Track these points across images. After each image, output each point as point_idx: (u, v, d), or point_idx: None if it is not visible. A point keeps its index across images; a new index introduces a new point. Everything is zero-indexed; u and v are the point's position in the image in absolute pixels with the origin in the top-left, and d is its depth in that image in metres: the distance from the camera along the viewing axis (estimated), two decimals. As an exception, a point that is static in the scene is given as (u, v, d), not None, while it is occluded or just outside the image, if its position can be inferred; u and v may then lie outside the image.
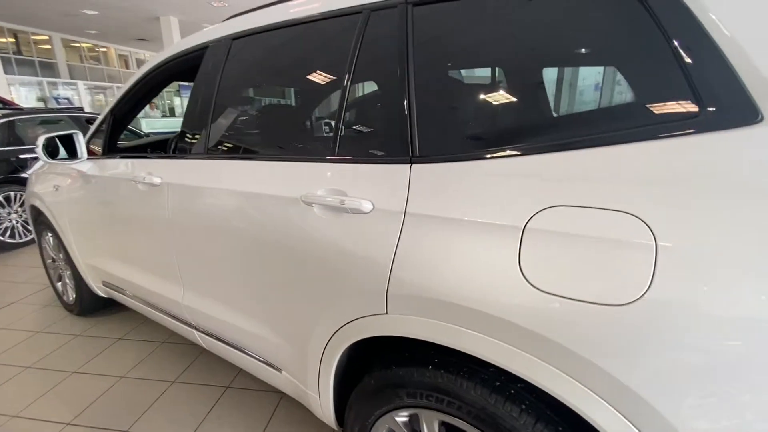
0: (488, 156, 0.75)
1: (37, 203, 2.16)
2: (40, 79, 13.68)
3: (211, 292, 1.33)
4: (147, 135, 4.96)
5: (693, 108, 0.58)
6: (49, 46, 14.73)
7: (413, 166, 0.84)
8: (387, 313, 0.83)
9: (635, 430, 0.58)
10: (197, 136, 1.33)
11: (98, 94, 16.03)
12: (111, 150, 1.83)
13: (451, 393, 0.79)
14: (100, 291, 2.06)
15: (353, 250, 0.88)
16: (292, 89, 1.23)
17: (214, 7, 11.75)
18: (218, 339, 1.40)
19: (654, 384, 0.56)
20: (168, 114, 12.26)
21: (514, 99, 0.84)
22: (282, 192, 1.03)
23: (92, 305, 2.28)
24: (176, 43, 1.55)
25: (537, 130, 0.77)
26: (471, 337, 0.72)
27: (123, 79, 17.82)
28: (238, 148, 1.24)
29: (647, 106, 0.64)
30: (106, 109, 1.80)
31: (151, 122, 9.82)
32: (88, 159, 1.77)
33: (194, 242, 1.31)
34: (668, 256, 0.55)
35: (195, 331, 1.50)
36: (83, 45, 16.08)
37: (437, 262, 0.75)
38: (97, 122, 1.84)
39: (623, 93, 0.71)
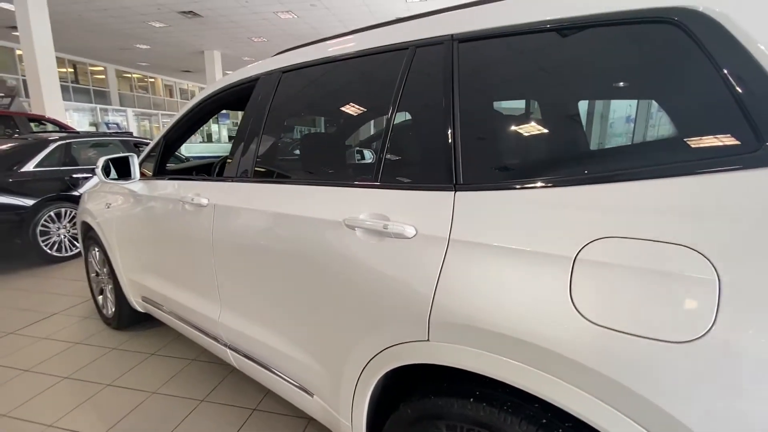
0: (534, 185, 0.76)
1: (88, 219, 2.30)
2: (93, 105, 14.80)
3: (248, 311, 1.36)
4: (187, 159, 5.25)
5: (753, 142, 0.58)
6: (103, 76, 16.04)
7: (457, 193, 0.85)
8: (428, 340, 0.82)
9: None
10: (245, 161, 1.41)
11: (144, 120, 17.16)
12: (161, 172, 1.95)
13: (493, 428, 0.77)
14: (139, 306, 2.14)
15: (395, 274, 0.89)
16: (337, 119, 1.30)
17: (254, 42, 12.56)
18: (250, 359, 1.42)
19: (715, 424, 0.53)
20: (205, 140, 12.99)
21: (561, 131, 0.85)
22: (325, 215, 1.07)
23: (130, 319, 2.36)
24: (228, 75, 1.68)
25: (588, 160, 0.78)
26: (517, 369, 0.71)
27: (167, 107, 19.09)
28: (284, 173, 1.31)
29: (705, 139, 0.64)
30: (159, 135, 1.94)
31: (190, 147, 10.38)
32: (140, 180, 1.89)
33: (235, 262, 1.36)
34: (733, 291, 0.53)
35: (228, 350, 1.53)
36: (134, 75, 17.43)
37: (483, 290, 0.75)
38: (150, 146, 1.98)
39: (680, 126, 0.72)
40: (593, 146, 0.92)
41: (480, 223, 0.79)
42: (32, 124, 6.45)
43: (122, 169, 1.90)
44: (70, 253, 3.84)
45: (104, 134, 5.10)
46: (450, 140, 0.89)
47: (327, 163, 1.27)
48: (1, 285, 3.23)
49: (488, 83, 0.92)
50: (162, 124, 17.82)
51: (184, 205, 1.57)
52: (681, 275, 0.57)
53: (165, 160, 1.99)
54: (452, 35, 0.96)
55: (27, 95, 8.89)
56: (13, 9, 8.15)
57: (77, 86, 14.87)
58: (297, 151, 1.37)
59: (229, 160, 1.47)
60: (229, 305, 1.45)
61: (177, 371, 1.99)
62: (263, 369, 1.37)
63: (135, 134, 15.43)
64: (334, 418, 1.14)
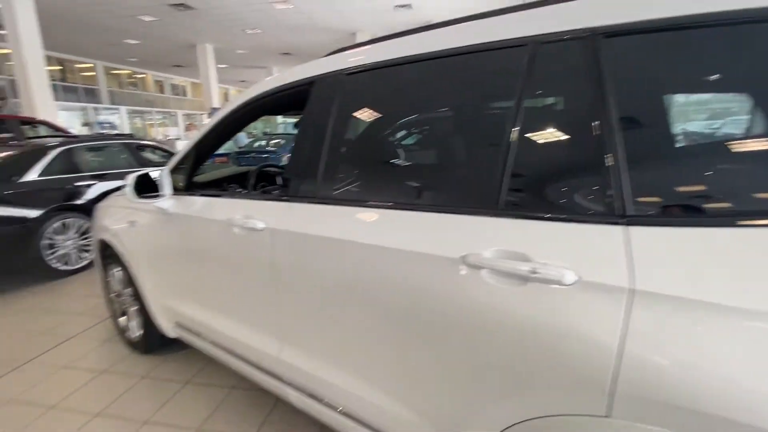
0: (753, 222, 0.59)
1: (107, 237, 2.11)
2: (85, 104, 14.35)
3: (322, 351, 1.19)
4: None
5: None
6: (92, 73, 15.54)
7: (630, 228, 0.68)
8: (607, 416, 0.66)
9: None
10: (308, 178, 1.22)
11: (135, 117, 16.70)
12: (192, 186, 1.75)
13: None
14: (170, 331, 1.96)
15: (548, 329, 0.72)
16: (431, 129, 1.11)
17: (248, 34, 12.18)
18: (320, 401, 1.26)
19: None
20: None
21: None
22: (433, 250, 0.89)
23: (158, 344, 2.18)
24: (269, 78, 1.48)
25: None
26: None
27: (160, 103, 18.58)
28: (364, 195, 1.11)
29: None
30: (189, 144, 1.74)
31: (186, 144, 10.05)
32: (172, 196, 1.70)
33: (305, 296, 1.18)
34: None
35: (287, 388, 1.36)
36: (122, 72, 16.91)
37: (704, 359, 0.59)
38: (178, 157, 1.77)
39: None
40: None
41: (681, 271, 0.62)
42: (25, 128, 6.14)
43: (150, 185, 1.71)
44: (78, 266, 3.63)
45: (103, 137, 4.83)
46: (610, 159, 0.72)
47: (424, 183, 1.05)
48: (9, 306, 3.02)
49: (661, 86, 0.74)
50: (157, 121, 17.38)
51: (232, 227, 1.39)
52: None
53: (195, 173, 1.79)
54: (593, 28, 0.79)
55: (16, 96, 8.51)
56: (-4, 6, 7.74)
57: (65, 85, 14.37)
58: (379, 168, 1.17)
59: (290, 177, 1.28)
60: (294, 342, 1.28)
61: (218, 403, 1.83)
62: (336, 413, 1.21)
63: (126, 132, 15.02)
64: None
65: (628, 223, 0.69)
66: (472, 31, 0.97)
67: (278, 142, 8.84)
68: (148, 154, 4.70)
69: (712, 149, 0.74)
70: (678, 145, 0.77)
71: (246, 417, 1.73)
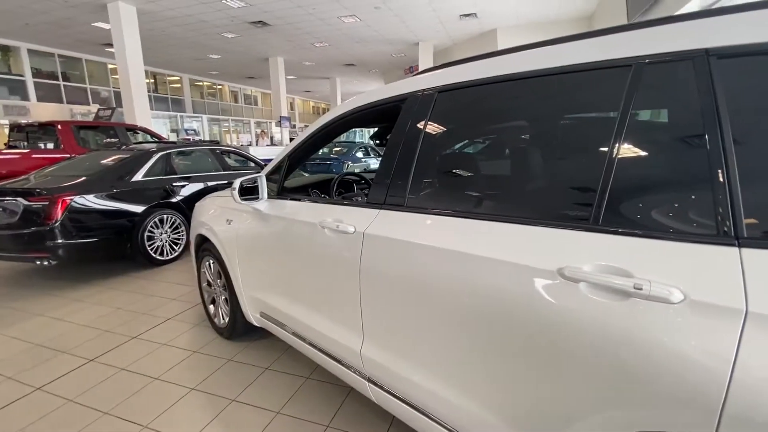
0: None
1: (205, 232, 2.38)
2: (173, 113, 16.01)
3: (404, 350, 1.28)
4: (257, 161, 5.43)
5: None
6: (178, 85, 17.31)
7: (744, 250, 0.69)
8: (714, 435, 0.67)
9: None
10: (398, 188, 1.32)
11: (213, 125, 18.30)
12: (283, 191, 1.94)
13: None
14: (255, 320, 2.17)
15: (653, 346, 0.73)
16: (526, 145, 1.16)
17: (316, 48, 12.87)
18: (398, 397, 1.33)
19: None
20: (270, 143, 13.58)
21: None
22: (528, 261, 0.94)
23: (241, 331, 2.41)
24: (362, 95, 1.61)
25: None
26: None
27: (233, 112, 20.23)
28: (454, 205, 1.18)
29: None
30: (283, 154, 1.93)
31: (258, 149, 10.83)
32: (267, 199, 1.90)
33: (390, 296, 1.27)
34: None
35: (367, 383, 1.46)
36: (204, 83, 18.64)
37: None
38: (273, 164, 1.98)
39: None
40: None
41: None
42: (128, 133, 7.05)
43: (248, 189, 1.92)
44: (170, 257, 4.09)
45: (195, 143, 5.41)
46: (722, 179, 0.72)
47: (516, 196, 1.10)
48: (117, 287, 3.49)
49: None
50: (231, 128, 18.93)
51: (323, 229, 1.53)
52: None
53: (287, 179, 1.98)
54: (707, 49, 0.79)
55: (119, 105, 9.78)
56: (108, 28, 8.99)
57: (157, 95, 16.20)
58: (470, 181, 1.24)
59: (381, 186, 1.39)
60: (376, 339, 1.38)
61: (295, 390, 1.99)
62: (414, 410, 1.28)
63: (206, 138, 16.48)
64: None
65: (741, 246, 0.69)
66: (572, 51, 1.01)
67: (340, 149, 9.22)
68: (227, 159, 5.18)
69: None
70: None
71: (320, 405, 1.86)
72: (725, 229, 0.71)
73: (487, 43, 11.33)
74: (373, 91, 1.56)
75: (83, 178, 3.61)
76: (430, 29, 11.06)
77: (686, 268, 0.73)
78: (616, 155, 0.86)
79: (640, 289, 0.75)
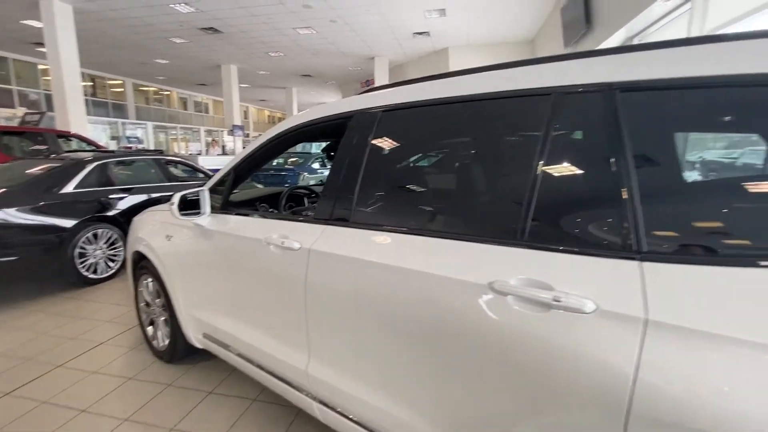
0: (753, 264, 0.67)
1: (143, 249, 2.23)
2: (113, 120, 14.97)
3: (348, 367, 1.27)
4: (206, 172, 5.21)
5: None
6: (121, 90, 16.26)
7: (644, 264, 0.77)
8: (622, 436, 0.73)
9: None
10: (344, 203, 1.33)
11: (159, 132, 17.33)
12: (229, 205, 1.88)
13: None
14: (197, 342, 2.05)
15: (567, 354, 0.80)
16: (462, 165, 1.21)
17: (271, 57, 12.69)
18: (345, 416, 1.32)
19: None
20: (221, 153, 13.09)
21: None
22: (461, 275, 0.98)
23: (183, 354, 2.27)
24: (310, 110, 1.61)
25: None
26: None
27: (182, 119, 19.30)
28: (397, 221, 1.21)
29: None
30: (228, 167, 1.88)
31: (208, 159, 10.38)
32: (210, 214, 1.82)
33: (336, 313, 1.27)
34: None
35: (314, 402, 1.43)
36: (150, 89, 17.66)
37: (707, 385, 0.65)
38: (217, 177, 1.91)
39: None
40: None
41: (689, 304, 0.70)
42: (60, 140, 6.49)
43: (190, 203, 1.84)
44: (105, 275, 3.78)
45: (137, 152, 5.09)
46: (628, 199, 0.80)
47: (452, 212, 1.16)
48: (42, 309, 3.17)
49: (670, 137, 0.84)
50: (179, 136, 18.01)
51: (268, 245, 1.50)
52: None
53: (232, 193, 1.92)
54: (610, 83, 0.89)
55: (51, 110, 8.99)
56: (40, 26, 8.30)
57: (96, 100, 15.09)
58: (412, 198, 1.27)
59: (326, 202, 1.39)
60: (322, 356, 1.36)
61: (240, 413, 1.90)
62: (362, 429, 1.27)
63: (151, 147, 15.56)
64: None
65: (642, 260, 0.77)
66: (500, 78, 1.09)
67: (296, 160, 9.08)
68: (173, 169, 4.92)
69: (722, 190, 0.83)
70: (688, 186, 0.86)
71: (267, 429, 1.79)
72: (629, 244, 0.79)
73: (440, 61, 11.80)
74: (322, 106, 1.57)
75: (3, 189, 3.27)
76: (385, 45, 11.32)
77: (597, 280, 0.80)
78: (538, 176, 0.94)
79: (559, 301, 0.81)
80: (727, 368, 0.64)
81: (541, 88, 0.99)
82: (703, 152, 0.96)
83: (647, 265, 0.76)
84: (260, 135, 1.74)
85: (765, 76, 0.71)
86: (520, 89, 1.03)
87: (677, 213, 0.80)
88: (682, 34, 4.29)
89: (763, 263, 0.67)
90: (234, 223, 1.73)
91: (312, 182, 8.54)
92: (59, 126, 8.18)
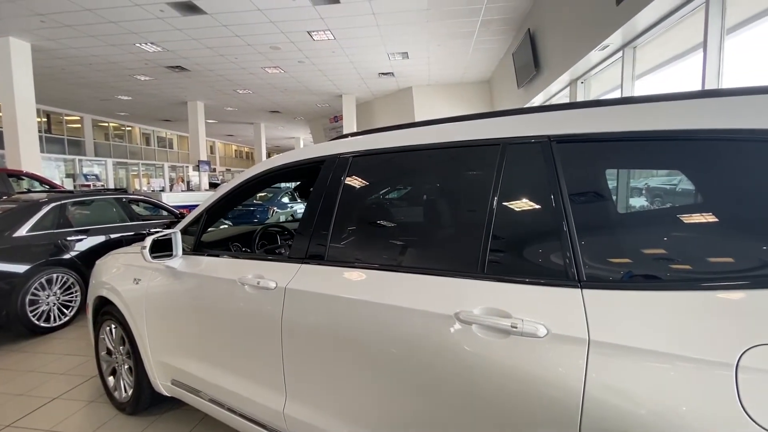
0: (676, 288, 0.80)
1: (107, 294, 2.16)
2: (69, 156, 14.35)
3: (327, 404, 1.29)
4: (170, 209, 5.10)
5: None
6: (78, 125, 15.72)
7: (585, 290, 0.88)
8: (579, 448, 0.81)
9: None
10: (317, 242, 1.39)
11: (121, 169, 16.73)
12: (200, 246, 1.89)
13: None
14: (165, 389, 1.97)
15: (527, 376, 0.88)
16: (427, 205, 1.33)
17: (239, 94, 12.82)
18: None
19: None
20: (186, 189, 12.75)
21: (712, 226, 0.86)
22: (430, 307, 1.06)
23: (147, 403, 2.16)
24: (284, 154, 1.70)
25: (743, 260, 0.80)
26: None
27: (144, 155, 18.77)
28: (370, 258, 1.29)
29: None
30: (201, 208, 1.90)
31: (172, 196, 10.10)
32: (182, 256, 1.82)
33: (314, 351, 1.30)
34: None
35: (290, 444, 1.42)
36: (110, 124, 17.19)
37: (641, 395, 0.75)
38: (189, 218, 1.92)
39: None
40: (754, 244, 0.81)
41: (622, 324, 0.81)
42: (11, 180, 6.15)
43: (161, 244, 1.83)
44: (58, 323, 3.54)
45: (97, 192, 4.91)
46: (567, 236, 0.93)
47: (420, 248, 1.27)
48: (-16, 365, 2.90)
49: (597, 181, 0.99)
50: (140, 172, 17.43)
51: (243, 286, 1.52)
52: None
53: (204, 234, 1.93)
54: (549, 135, 1.04)
55: (0, 147, 8.55)
56: (-7, 63, 8.02)
57: (50, 136, 14.47)
58: (383, 236, 1.37)
59: (302, 241, 1.44)
60: (299, 396, 1.37)
61: (211, 464, 1.82)
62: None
63: (111, 184, 14.94)
64: None
65: (583, 287, 0.88)
66: (458, 129, 1.23)
67: (265, 195, 9.03)
68: (135, 207, 4.78)
69: (646, 223, 0.98)
70: (619, 220, 1.00)
71: (240, 478, 1.72)
72: (572, 273, 0.90)
73: (405, 98, 12.39)
74: (296, 151, 1.66)
75: (-53, 235, 3.06)
76: (352, 83, 11.78)
77: (547, 307, 0.90)
78: (492, 213, 1.06)
79: (516, 327, 0.90)
80: (660, 379, 0.75)
81: (492, 138, 1.14)
82: (631, 192, 1.12)
83: (587, 291, 0.88)
84: (230, 169, 1.79)
85: (650, 132, 0.89)
86: (474, 139, 1.17)
87: (610, 244, 0.93)
88: (617, 78, 4.83)
89: (682, 285, 0.80)
90: (207, 264, 1.74)
91: (282, 217, 8.45)
92: (10, 165, 7.76)
